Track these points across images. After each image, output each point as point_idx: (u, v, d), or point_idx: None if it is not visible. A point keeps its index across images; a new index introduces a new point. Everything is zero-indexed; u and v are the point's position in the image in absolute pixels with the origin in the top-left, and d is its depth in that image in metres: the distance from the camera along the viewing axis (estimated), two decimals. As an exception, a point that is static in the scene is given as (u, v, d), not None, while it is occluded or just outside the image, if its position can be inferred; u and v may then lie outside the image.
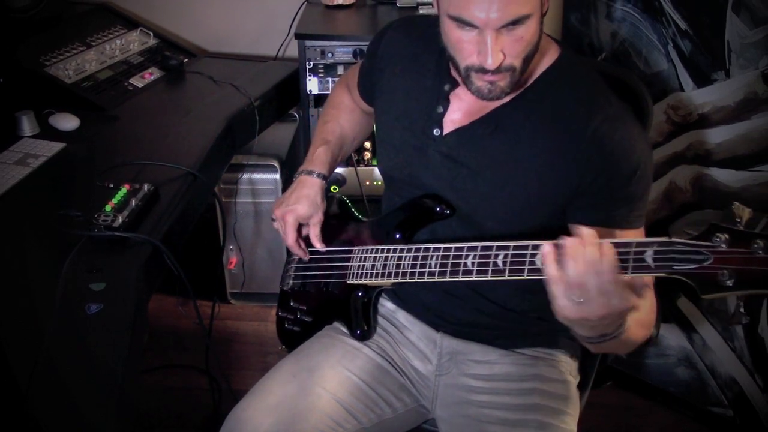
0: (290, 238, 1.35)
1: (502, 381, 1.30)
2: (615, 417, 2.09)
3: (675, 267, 0.88)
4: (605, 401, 2.09)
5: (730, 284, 0.84)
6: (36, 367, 1.09)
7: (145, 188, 1.48)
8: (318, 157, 1.39)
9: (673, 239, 0.88)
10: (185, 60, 2.29)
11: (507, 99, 1.17)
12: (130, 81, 2.09)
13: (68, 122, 1.81)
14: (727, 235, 0.84)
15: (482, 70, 1.07)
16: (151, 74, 2.16)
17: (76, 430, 1.05)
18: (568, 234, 1.18)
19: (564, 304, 0.94)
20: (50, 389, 1.07)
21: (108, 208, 1.40)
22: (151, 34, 2.33)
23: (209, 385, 2.02)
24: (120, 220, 1.36)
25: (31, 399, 1.05)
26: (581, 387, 1.38)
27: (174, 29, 2.53)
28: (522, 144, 1.16)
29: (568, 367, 1.34)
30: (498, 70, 1.07)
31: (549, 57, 1.18)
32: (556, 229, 1.19)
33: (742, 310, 0.88)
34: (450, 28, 1.09)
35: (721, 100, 1.72)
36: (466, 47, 1.08)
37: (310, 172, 1.37)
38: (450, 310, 1.33)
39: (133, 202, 1.42)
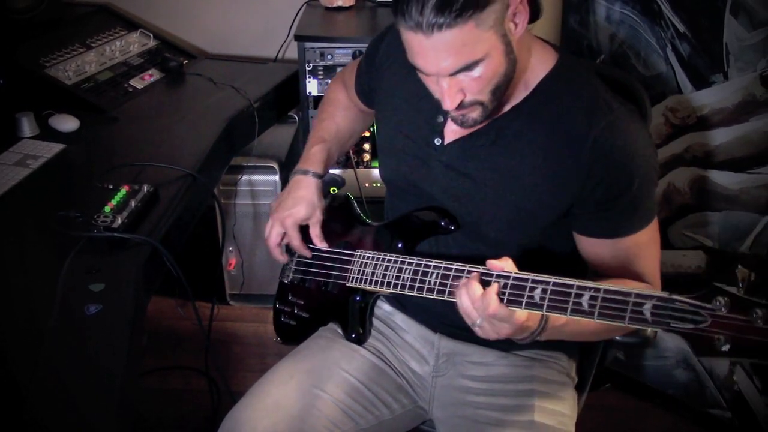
0: (296, 241, 1.36)
1: (499, 382, 1.30)
2: (613, 419, 2.08)
3: (672, 324, 0.87)
4: (603, 403, 2.09)
5: (725, 350, 0.83)
6: (36, 368, 1.09)
7: (145, 189, 1.48)
8: (313, 156, 1.40)
9: (673, 296, 0.87)
10: (185, 61, 2.29)
11: (507, 108, 1.16)
12: (129, 82, 2.09)
13: (68, 123, 1.81)
14: (727, 299, 0.83)
15: None
16: (151, 76, 2.16)
17: (75, 430, 1.05)
18: (573, 243, 1.19)
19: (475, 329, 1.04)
20: (50, 390, 1.08)
21: (107, 209, 1.40)
22: (151, 35, 2.33)
23: (208, 387, 2.02)
24: (119, 221, 1.36)
25: (31, 400, 1.05)
26: (579, 389, 1.38)
27: (174, 31, 2.53)
28: (522, 153, 1.16)
29: (565, 368, 1.34)
30: (461, 107, 1.09)
31: (546, 64, 1.16)
32: (561, 238, 1.19)
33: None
34: (416, 69, 1.10)
35: (720, 102, 1.72)
36: (431, 86, 1.11)
37: (305, 172, 1.38)
38: (448, 312, 1.31)
39: (133, 203, 1.42)
